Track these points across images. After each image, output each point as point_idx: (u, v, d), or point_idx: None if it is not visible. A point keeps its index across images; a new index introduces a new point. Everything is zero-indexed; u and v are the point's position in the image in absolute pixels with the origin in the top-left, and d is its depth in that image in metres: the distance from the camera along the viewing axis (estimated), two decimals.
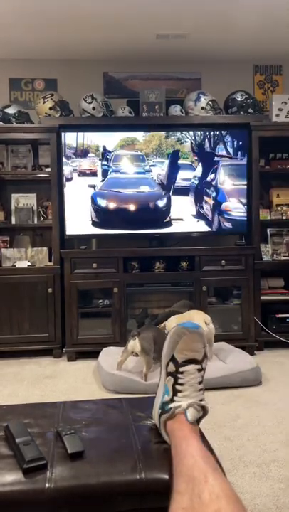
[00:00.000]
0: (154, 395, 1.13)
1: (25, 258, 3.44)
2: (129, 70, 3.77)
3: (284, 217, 3.57)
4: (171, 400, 1.00)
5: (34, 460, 0.94)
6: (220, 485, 0.76)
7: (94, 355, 3.05)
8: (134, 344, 2.51)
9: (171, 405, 1.00)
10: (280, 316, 3.42)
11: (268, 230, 3.60)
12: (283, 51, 3.69)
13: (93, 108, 3.37)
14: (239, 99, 3.48)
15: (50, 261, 3.43)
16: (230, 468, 1.73)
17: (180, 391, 1.00)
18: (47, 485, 0.90)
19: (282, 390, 2.59)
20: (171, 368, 1.02)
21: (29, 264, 3.39)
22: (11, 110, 3.43)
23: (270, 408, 2.33)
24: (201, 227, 3.44)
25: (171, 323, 2.89)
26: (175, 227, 3.43)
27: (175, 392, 1.01)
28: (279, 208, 3.61)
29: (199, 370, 1.02)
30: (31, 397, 2.50)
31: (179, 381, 1.01)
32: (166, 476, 0.92)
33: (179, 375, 1.01)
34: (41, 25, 3.12)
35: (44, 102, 3.42)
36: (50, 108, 3.40)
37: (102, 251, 3.46)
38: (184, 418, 0.97)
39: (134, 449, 1.01)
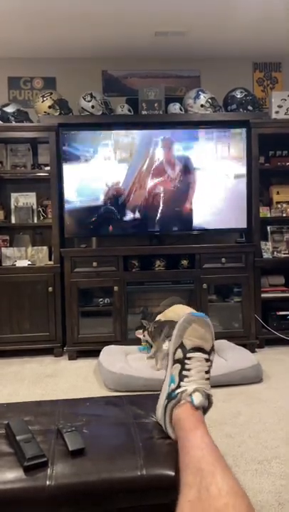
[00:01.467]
0: (154, 392, 1.13)
1: (25, 257, 3.43)
2: (128, 68, 3.76)
3: (284, 215, 3.57)
4: (178, 387, 1.01)
5: (35, 457, 0.94)
6: (228, 480, 0.77)
7: (95, 353, 3.04)
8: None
9: (178, 391, 1.00)
10: (281, 313, 3.42)
11: (268, 228, 3.59)
12: (282, 48, 3.68)
13: (92, 106, 3.36)
14: (238, 96, 3.47)
15: (50, 260, 3.42)
16: (231, 465, 1.73)
17: (186, 376, 1.01)
18: (48, 482, 0.90)
19: (283, 387, 2.59)
20: (179, 354, 1.04)
21: (29, 263, 3.39)
22: (9, 109, 3.42)
23: (271, 405, 2.32)
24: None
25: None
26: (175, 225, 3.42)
27: (182, 378, 1.02)
28: (279, 206, 3.60)
29: (207, 360, 1.03)
30: (32, 396, 2.50)
31: (186, 367, 1.02)
32: (169, 472, 0.92)
33: (186, 361, 1.02)
34: (40, 23, 3.11)
35: (43, 101, 3.42)
36: (49, 107, 3.39)
37: (102, 249, 3.46)
38: (190, 406, 0.97)
39: (135, 446, 1.01)
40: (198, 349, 1.03)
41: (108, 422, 1.14)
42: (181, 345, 1.03)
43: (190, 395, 0.98)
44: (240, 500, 0.74)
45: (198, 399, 0.98)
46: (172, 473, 0.92)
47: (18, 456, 0.97)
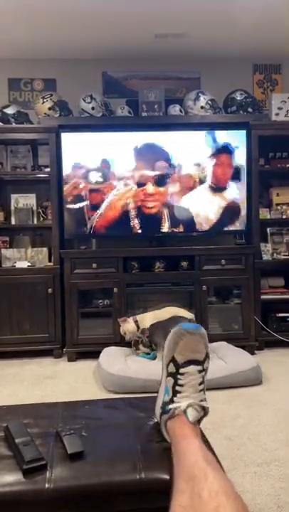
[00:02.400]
0: (153, 394, 1.13)
1: (25, 258, 3.43)
2: (128, 69, 3.76)
3: (284, 217, 3.57)
4: (171, 401, 1.00)
5: (34, 460, 0.94)
6: (219, 482, 0.76)
7: (94, 355, 3.04)
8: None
9: (171, 406, 0.99)
10: (281, 315, 3.42)
11: (268, 229, 3.59)
12: (282, 50, 3.68)
13: (92, 108, 3.37)
14: (238, 98, 3.47)
15: (50, 261, 3.42)
16: (230, 468, 1.73)
17: (179, 392, 1.00)
18: (46, 485, 0.90)
19: (282, 389, 2.59)
20: (172, 368, 1.02)
21: (29, 264, 3.39)
22: (10, 110, 3.43)
23: (270, 407, 2.32)
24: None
25: (146, 320, 2.98)
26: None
27: (175, 393, 1.00)
28: (279, 207, 3.60)
29: (200, 371, 1.02)
30: (31, 398, 2.50)
31: (179, 382, 1.00)
32: (166, 476, 0.92)
33: (178, 376, 1.01)
34: (40, 25, 3.12)
35: (43, 102, 3.42)
36: (50, 108, 3.40)
37: (101, 251, 3.46)
38: (184, 418, 0.97)
39: (134, 449, 1.01)
40: (190, 362, 1.01)
41: (107, 424, 1.14)
42: (173, 360, 1.02)
43: (184, 410, 0.97)
44: (231, 501, 0.73)
45: (192, 415, 0.97)
46: (168, 477, 0.92)
47: (17, 459, 0.97)
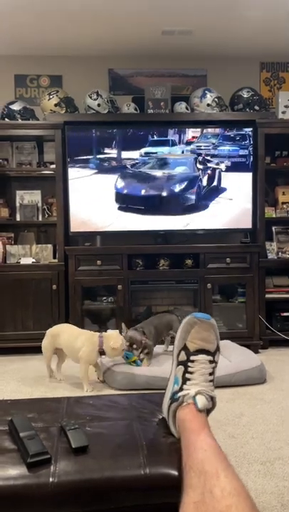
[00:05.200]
0: (158, 391, 1.12)
1: (29, 255, 3.44)
2: (135, 66, 3.75)
3: None
4: (180, 389, 1.00)
5: (38, 454, 0.94)
6: (231, 481, 0.76)
7: None
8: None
9: (180, 394, 1.00)
10: (285, 314, 3.41)
11: (273, 228, 3.58)
12: None
13: (98, 105, 3.36)
14: (245, 96, 3.46)
15: (54, 258, 3.42)
16: (234, 466, 1.70)
17: (189, 379, 1.00)
18: (51, 479, 0.90)
19: (286, 388, 2.58)
20: (183, 356, 1.03)
21: (33, 260, 3.39)
22: (16, 107, 3.43)
23: (274, 406, 2.31)
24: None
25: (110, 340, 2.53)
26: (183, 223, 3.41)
27: (185, 380, 1.01)
28: (284, 206, 3.58)
29: (211, 362, 1.02)
30: (35, 394, 2.50)
31: (189, 369, 1.01)
32: (172, 472, 0.91)
33: (189, 364, 1.01)
34: (47, 22, 3.11)
35: (49, 99, 3.42)
36: (56, 105, 3.39)
37: (106, 248, 3.46)
38: (193, 408, 0.97)
39: (139, 444, 1.01)
40: (201, 351, 1.02)
41: (112, 420, 1.14)
42: (185, 348, 1.02)
43: (193, 397, 0.97)
44: (243, 501, 0.74)
45: (201, 402, 0.97)
46: (176, 472, 0.91)
47: (22, 453, 0.96)
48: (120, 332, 2.64)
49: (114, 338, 2.48)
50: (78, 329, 2.66)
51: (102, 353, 2.50)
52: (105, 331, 2.61)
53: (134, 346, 2.62)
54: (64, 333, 2.60)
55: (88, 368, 2.52)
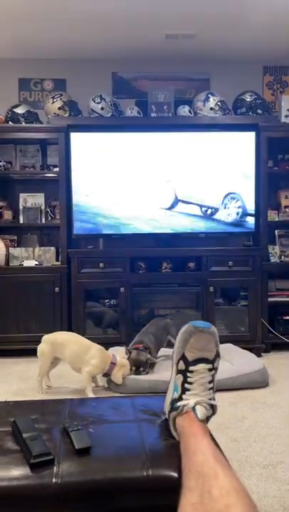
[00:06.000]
0: (161, 394, 1.12)
1: (32, 257, 3.45)
2: (138, 70, 3.77)
3: None
4: (180, 398, 1.00)
5: (41, 455, 0.94)
6: (230, 481, 0.76)
7: None
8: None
9: (180, 403, 0.99)
10: (288, 317, 3.40)
11: (276, 232, 3.58)
12: None
13: (102, 108, 3.38)
14: (248, 99, 3.47)
15: (57, 260, 3.43)
16: (236, 470, 1.72)
17: (188, 389, 1.00)
18: (54, 480, 0.90)
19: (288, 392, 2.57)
20: (182, 365, 1.02)
21: (36, 263, 3.40)
22: (20, 110, 3.45)
23: (276, 410, 2.31)
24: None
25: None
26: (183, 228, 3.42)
27: (184, 390, 1.00)
28: (287, 210, 3.59)
29: (210, 370, 1.01)
30: (38, 396, 2.50)
31: (188, 380, 1.00)
32: (174, 474, 0.92)
33: (188, 374, 1.00)
34: (50, 25, 3.13)
35: (53, 102, 3.44)
36: (59, 108, 3.41)
37: (109, 251, 3.47)
38: (193, 415, 0.96)
39: (142, 445, 1.01)
40: (200, 360, 1.01)
41: (115, 421, 1.14)
42: (183, 357, 1.01)
43: (192, 408, 0.97)
44: (242, 499, 0.73)
45: (201, 412, 0.97)
46: (176, 474, 0.91)
47: (25, 454, 0.97)
48: (127, 352, 2.61)
49: (125, 366, 2.48)
50: (87, 340, 2.58)
51: (106, 375, 2.51)
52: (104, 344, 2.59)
53: (141, 369, 2.56)
54: (72, 343, 2.50)
55: (91, 377, 2.50)
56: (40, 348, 2.53)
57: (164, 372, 2.61)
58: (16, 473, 0.92)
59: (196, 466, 0.82)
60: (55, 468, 0.93)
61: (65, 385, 2.70)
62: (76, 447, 0.98)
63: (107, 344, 3.13)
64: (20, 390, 2.62)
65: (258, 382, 2.63)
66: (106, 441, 1.03)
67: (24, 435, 1.01)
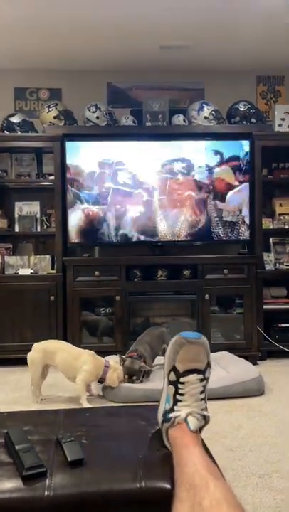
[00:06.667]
0: (155, 403, 1.12)
1: (27, 266, 3.44)
2: (133, 80, 3.81)
3: (286, 227, 3.57)
4: (172, 409, 1.00)
5: (33, 467, 0.93)
6: (220, 491, 0.76)
7: None
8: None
9: (171, 415, 0.99)
10: (283, 325, 3.41)
11: (271, 239, 3.60)
12: (286, 63, 3.72)
13: (97, 117, 3.40)
14: (242, 109, 3.50)
15: (52, 269, 3.43)
16: (232, 479, 1.71)
17: (180, 401, 0.99)
18: (46, 493, 0.89)
19: (285, 400, 2.57)
20: (173, 377, 1.02)
21: (32, 271, 3.39)
22: (15, 119, 3.47)
23: (272, 418, 2.30)
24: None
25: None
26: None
27: (175, 401, 1.00)
28: (281, 217, 3.61)
29: (201, 380, 1.01)
30: (32, 405, 2.49)
31: (180, 391, 1.00)
32: (168, 485, 0.91)
33: (179, 385, 1.00)
34: (46, 35, 3.16)
35: (48, 111, 3.46)
36: (55, 117, 3.43)
37: (104, 259, 3.47)
38: (185, 427, 0.96)
39: (135, 457, 1.00)
40: (191, 371, 1.00)
41: (108, 432, 1.13)
42: (174, 369, 1.01)
43: (184, 419, 0.97)
44: (233, 509, 0.73)
45: (193, 423, 0.97)
46: (169, 486, 0.91)
47: (17, 466, 0.96)
48: (121, 360, 2.59)
49: (118, 369, 2.47)
50: (77, 348, 2.59)
51: (101, 381, 2.48)
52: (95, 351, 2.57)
53: (134, 377, 2.54)
54: (62, 351, 2.50)
55: (86, 387, 2.48)
56: (30, 355, 2.51)
57: (159, 381, 2.60)
58: (8, 485, 0.92)
59: (187, 478, 0.82)
60: (47, 480, 0.92)
61: (59, 394, 2.68)
62: (69, 459, 0.97)
63: (102, 353, 3.11)
64: (15, 399, 2.60)
65: (254, 390, 2.63)
66: (99, 453, 1.03)
67: (17, 447, 1.00)
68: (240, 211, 3.44)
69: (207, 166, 3.42)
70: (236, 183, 3.43)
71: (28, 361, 2.51)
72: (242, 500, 1.56)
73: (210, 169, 3.42)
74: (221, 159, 3.42)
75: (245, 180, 3.43)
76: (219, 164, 3.42)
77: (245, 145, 3.42)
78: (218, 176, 3.43)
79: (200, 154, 3.42)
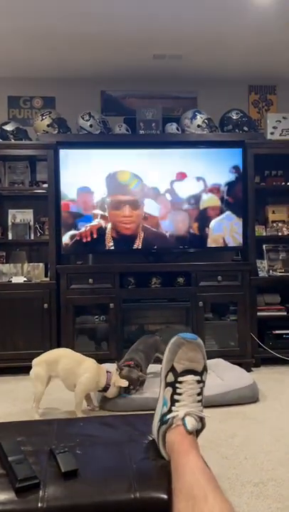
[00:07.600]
0: (151, 412, 1.12)
1: (21, 273, 3.43)
2: (127, 88, 3.83)
3: (279, 234, 3.59)
4: (169, 411, 1.00)
5: (26, 479, 0.93)
6: (219, 505, 0.76)
7: None
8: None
9: (169, 416, 0.99)
10: (277, 332, 3.41)
11: (264, 246, 3.62)
12: (277, 72, 3.77)
13: (90, 125, 3.42)
14: (234, 117, 3.54)
15: (46, 276, 3.42)
16: (227, 488, 1.70)
17: (178, 401, 1.00)
18: (39, 505, 0.88)
19: (279, 407, 2.57)
20: (170, 378, 1.03)
21: (25, 279, 3.38)
22: (9, 127, 3.47)
23: (267, 426, 2.30)
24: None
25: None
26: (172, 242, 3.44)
27: (173, 402, 1.00)
28: (274, 225, 3.63)
29: (198, 382, 1.02)
30: (27, 414, 2.46)
31: (178, 391, 1.01)
32: (162, 496, 0.91)
33: (177, 385, 1.01)
34: (40, 44, 3.18)
35: (42, 119, 3.47)
36: (48, 125, 3.44)
37: (98, 266, 3.46)
38: (182, 429, 0.96)
39: (129, 467, 1.00)
40: (189, 372, 1.02)
41: (102, 442, 1.13)
42: (172, 369, 1.02)
43: (182, 419, 0.97)
44: None
45: (190, 423, 0.97)
46: (165, 496, 0.90)
47: (10, 478, 0.95)
48: (118, 369, 2.53)
49: (121, 383, 2.42)
50: (79, 354, 2.51)
51: (104, 389, 2.41)
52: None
53: (131, 387, 2.49)
54: (64, 358, 2.43)
55: (84, 396, 2.43)
56: (34, 371, 2.41)
57: (154, 390, 2.59)
58: (1, 497, 0.91)
59: (186, 488, 0.82)
60: (40, 492, 0.91)
61: (55, 405, 2.66)
62: (62, 470, 0.96)
63: (97, 361, 3.11)
64: (8, 409, 2.57)
65: (248, 397, 2.62)
66: (93, 463, 1.02)
67: (10, 458, 0.99)
68: (234, 218, 3.46)
69: (201, 174, 3.43)
70: (229, 191, 3.45)
71: (33, 377, 2.41)
72: (238, 508, 1.56)
73: (203, 177, 3.44)
74: (214, 167, 3.44)
75: (238, 188, 3.45)
76: (213, 172, 3.44)
77: (238, 153, 3.44)
78: (212, 183, 3.44)
79: (192, 162, 3.44)
